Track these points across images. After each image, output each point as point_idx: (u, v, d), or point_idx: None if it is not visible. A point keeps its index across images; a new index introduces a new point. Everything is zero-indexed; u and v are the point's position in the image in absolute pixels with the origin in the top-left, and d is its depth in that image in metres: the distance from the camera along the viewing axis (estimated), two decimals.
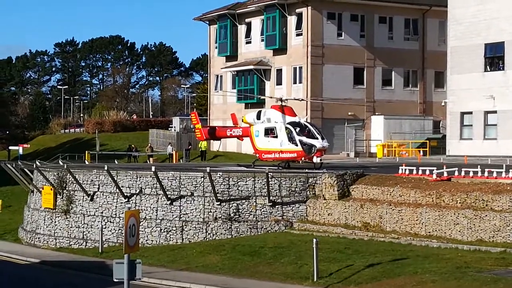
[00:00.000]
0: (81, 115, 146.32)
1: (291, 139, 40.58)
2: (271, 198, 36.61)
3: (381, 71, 67.81)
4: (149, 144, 77.96)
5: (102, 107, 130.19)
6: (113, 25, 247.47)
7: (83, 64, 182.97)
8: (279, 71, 68.09)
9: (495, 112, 54.46)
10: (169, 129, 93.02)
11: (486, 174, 33.04)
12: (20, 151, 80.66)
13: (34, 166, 44.61)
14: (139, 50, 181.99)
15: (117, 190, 38.86)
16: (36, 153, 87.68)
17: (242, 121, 44.60)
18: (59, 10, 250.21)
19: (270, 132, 41.56)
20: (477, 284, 23.19)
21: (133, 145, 77.27)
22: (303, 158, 41.38)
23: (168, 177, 37.92)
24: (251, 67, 69.13)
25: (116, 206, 39.21)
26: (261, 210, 36.72)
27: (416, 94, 69.67)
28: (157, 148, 78.85)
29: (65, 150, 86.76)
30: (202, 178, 37.23)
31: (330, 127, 63.90)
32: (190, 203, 37.30)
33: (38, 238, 42.63)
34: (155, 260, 32.60)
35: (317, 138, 40.44)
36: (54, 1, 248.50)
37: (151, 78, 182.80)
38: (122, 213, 35.95)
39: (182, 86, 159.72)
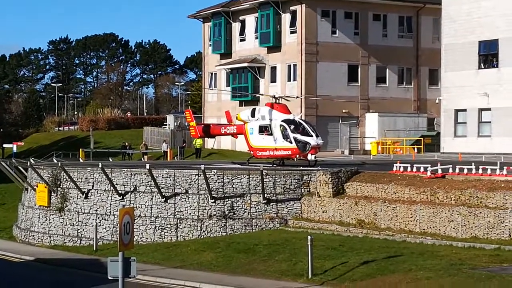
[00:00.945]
0: (75, 112, 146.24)
1: (285, 137, 40.56)
2: (265, 195, 36.62)
3: (375, 69, 67.85)
4: (144, 142, 77.87)
5: (96, 105, 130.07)
6: (107, 23, 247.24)
7: (77, 61, 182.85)
8: (274, 69, 68.08)
9: (489, 109, 54.54)
10: (164, 126, 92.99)
11: (480, 171, 33.11)
12: (14, 149, 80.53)
13: (28, 164, 44.55)
14: (133, 47, 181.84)
15: (112, 187, 38.84)
16: (30, 151, 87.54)
17: (237, 118, 44.57)
18: (53, 8, 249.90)
19: (264, 129, 41.55)
20: (471, 281, 23.23)
21: (127, 143, 77.21)
22: (297, 156, 41.36)
23: (162, 175, 37.90)
24: (245, 64, 69.12)
25: (110, 204, 39.19)
26: (255, 207, 36.74)
27: (410, 92, 69.74)
28: (152, 146, 78.82)
29: (59, 148, 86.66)
30: (197, 176, 37.23)
31: (324, 125, 63.94)
32: (185, 200, 37.30)
33: (33, 236, 42.58)
34: (150, 257, 32.59)
35: (311, 136, 40.43)
36: None
37: (145, 76, 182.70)
38: (117, 211, 35.94)
39: (176, 83, 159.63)
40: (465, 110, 56.11)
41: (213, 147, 70.90)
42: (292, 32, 66.12)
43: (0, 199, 60.40)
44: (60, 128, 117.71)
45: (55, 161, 49.27)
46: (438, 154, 55.94)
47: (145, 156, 70.72)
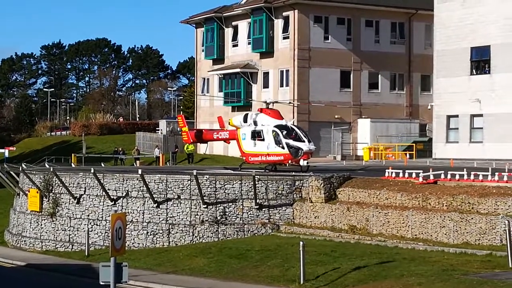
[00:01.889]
0: (68, 117, 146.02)
1: (278, 142, 40.57)
2: (258, 201, 36.61)
3: (368, 75, 67.97)
4: (136, 147, 77.82)
5: (89, 110, 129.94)
6: (99, 28, 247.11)
7: (70, 66, 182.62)
8: (266, 74, 68.15)
9: (481, 115, 54.67)
10: (156, 132, 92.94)
11: (472, 177, 33.16)
12: (6, 154, 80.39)
13: (20, 169, 44.45)
14: (125, 52, 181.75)
15: (104, 193, 38.78)
16: (22, 156, 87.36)
17: (229, 124, 44.59)
18: (46, 13, 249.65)
19: (257, 135, 41.55)
20: (463, 286, 23.25)
21: (120, 148, 77.13)
22: (290, 161, 41.39)
23: (154, 180, 37.87)
24: (238, 70, 69.16)
25: (102, 209, 39.12)
26: (247, 213, 36.73)
27: (403, 97, 69.86)
28: (144, 151, 78.73)
29: (51, 153, 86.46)
30: (189, 181, 37.20)
31: (316, 130, 64.01)
32: (177, 206, 37.26)
33: (24, 241, 42.46)
34: (142, 263, 32.56)
35: (303, 141, 40.45)
36: (41, 3, 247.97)
37: (137, 81, 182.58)
38: (109, 216, 35.86)
39: (169, 89, 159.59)
40: (457, 116, 56.24)
41: (206, 152, 70.91)
42: (284, 38, 66.19)
43: None
44: (52, 133, 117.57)
45: (47, 166, 49.16)
46: (430, 160, 56.03)
47: (137, 161, 70.66)
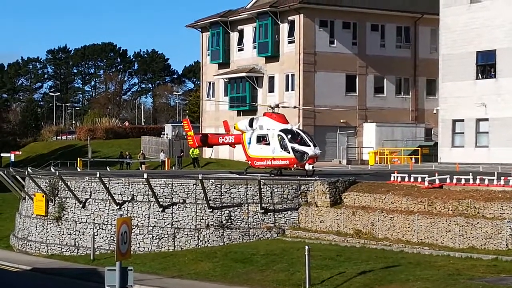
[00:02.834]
0: (73, 122, 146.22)
1: (283, 147, 40.57)
2: (263, 205, 36.61)
3: (373, 79, 67.97)
4: (141, 151, 77.89)
5: (94, 114, 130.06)
6: (105, 32, 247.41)
7: (75, 71, 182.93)
8: (271, 79, 68.18)
9: (486, 119, 54.62)
10: (161, 136, 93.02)
11: (477, 181, 33.12)
12: (12, 158, 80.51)
13: (26, 173, 44.54)
14: (131, 57, 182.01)
15: (109, 197, 38.82)
16: (28, 160, 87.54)
17: (234, 128, 44.60)
18: (52, 17, 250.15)
19: (262, 139, 41.56)
20: None
21: (127, 152, 77.17)
22: (295, 165, 41.36)
23: (160, 184, 37.89)
24: (244, 74, 69.20)
25: (108, 213, 39.16)
26: (253, 217, 36.72)
27: (408, 102, 69.84)
28: (149, 155, 78.83)
29: (57, 157, 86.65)
30: (194, 185, 37.21)
31: (322, 135, 64.00)
32: (182, 210, 37.27)
33: (30, 245, 42.52)
34: (147, 267, 32.55)
35: (309, 145, 40.46)
36: (47, 8, 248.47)
37: (143, 85, 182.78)
38: (114, 220, 35.85)
39: (174, 93, 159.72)
40: (462, 120, 56.19)
41: (211, 156, 70.92)
42: (290, 42, 66.22)
43: None
44: (58, 137, 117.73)
45: (53, 170, 49.22)
46: (435, 164, 55.96)
47: (143, 166, 70.72)
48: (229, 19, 71.72)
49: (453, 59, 56.37)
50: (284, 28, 66.78)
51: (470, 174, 34.51)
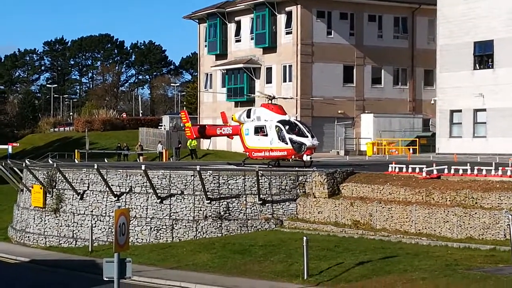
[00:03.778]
0: (71, 113, 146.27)
1: (281, 138, 40.54)
2: (261, 196, 36.62)
3: (371, 69, 67.94)
4: (139, 143, 77.85)
5: (92, 106, 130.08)
6: (102, 24, 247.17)
7: (73, 62, 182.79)
8: (269, 70, 68.12)
9: (484, 110, 54.62)
10: (159, 127, 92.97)
11: (475, 172, 33.16)
12: (10, 150, 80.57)
13: (24, 165, 44.48)
14: (128, 48, 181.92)
15: (107, 188, 38.80)
16: (26, 152, 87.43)
17: (232, 119, 44.55)
18: (48, 9, 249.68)
19: (260, 130, 41.53)
20: (466, 281, 23.25)
21: (125, 144, 77.14)
22: (293, 157, 41.37)
23: (158, 176, 37.87)
24: (241, 65, 69.13)
25: (106, 205, 39.15)
26: (251, 208, 36.73)
27: (406, 92, 69.83)
28: (147, 147, 78.79)
29: (55, 148, 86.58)
30: (192, 177, 37.21)
31: (320, 125, 63.97)
32: (180, 201, 37.27)
33: (28, 237, 42.51)
34: (145, 258, 32.57)
35: (307, 137, 40.43)
36: None
37: (140, 77, 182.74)
38: (112, 212, 35.86)
39: (171, 84, 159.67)
40: (460, 110, 56.19)
41: (209, 148, 70.90)
42: (287, 33, 66.15)
43: None
44: (55, 129, 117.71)
45: (51, 162, 49.18)
46: (433, 154, 56.00)
47: (141, 157, 70.70)
48: (227, 10, 71.62)
49: (450, 49, 56.34)
50: (281, 19, 66.68)
51: (468, 164, 34.52)
